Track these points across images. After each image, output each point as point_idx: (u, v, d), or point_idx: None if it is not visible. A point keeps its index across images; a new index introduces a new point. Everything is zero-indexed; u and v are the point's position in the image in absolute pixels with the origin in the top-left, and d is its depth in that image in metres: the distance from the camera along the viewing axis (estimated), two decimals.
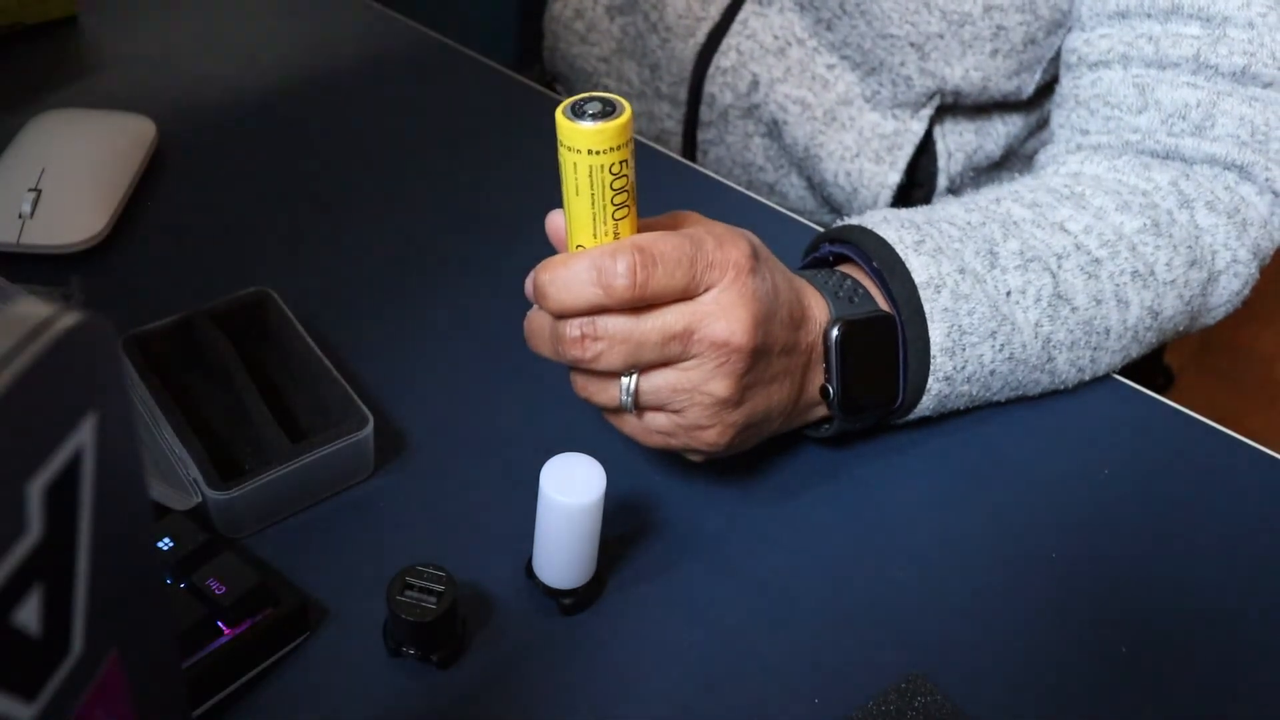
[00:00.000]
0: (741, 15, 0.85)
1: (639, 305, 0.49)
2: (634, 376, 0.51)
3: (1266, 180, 0.66)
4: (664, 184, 0.79)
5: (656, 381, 0.51)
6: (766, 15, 0.84)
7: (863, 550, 0.56)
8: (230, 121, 0.80)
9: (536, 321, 0.52)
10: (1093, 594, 0.55)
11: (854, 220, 0.61)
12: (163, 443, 0.54)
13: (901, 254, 0.57)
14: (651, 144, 0.82)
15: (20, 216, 0.67)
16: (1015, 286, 0.59)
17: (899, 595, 0.54)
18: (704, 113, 0.88)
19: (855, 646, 0.52)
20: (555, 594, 0.52)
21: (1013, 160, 0.88)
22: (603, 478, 0.49)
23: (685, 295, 0.49)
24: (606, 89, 0.92)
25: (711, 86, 0.87)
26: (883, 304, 0.57)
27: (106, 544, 0.29)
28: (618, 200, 0.50)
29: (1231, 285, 0.67)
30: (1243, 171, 0.66)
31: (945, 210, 0.62)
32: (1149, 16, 0.66)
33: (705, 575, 0.54)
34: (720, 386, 0.51)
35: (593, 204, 0.50)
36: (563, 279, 0.48)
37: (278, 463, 0.53)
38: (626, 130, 0.48)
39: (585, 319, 0.49)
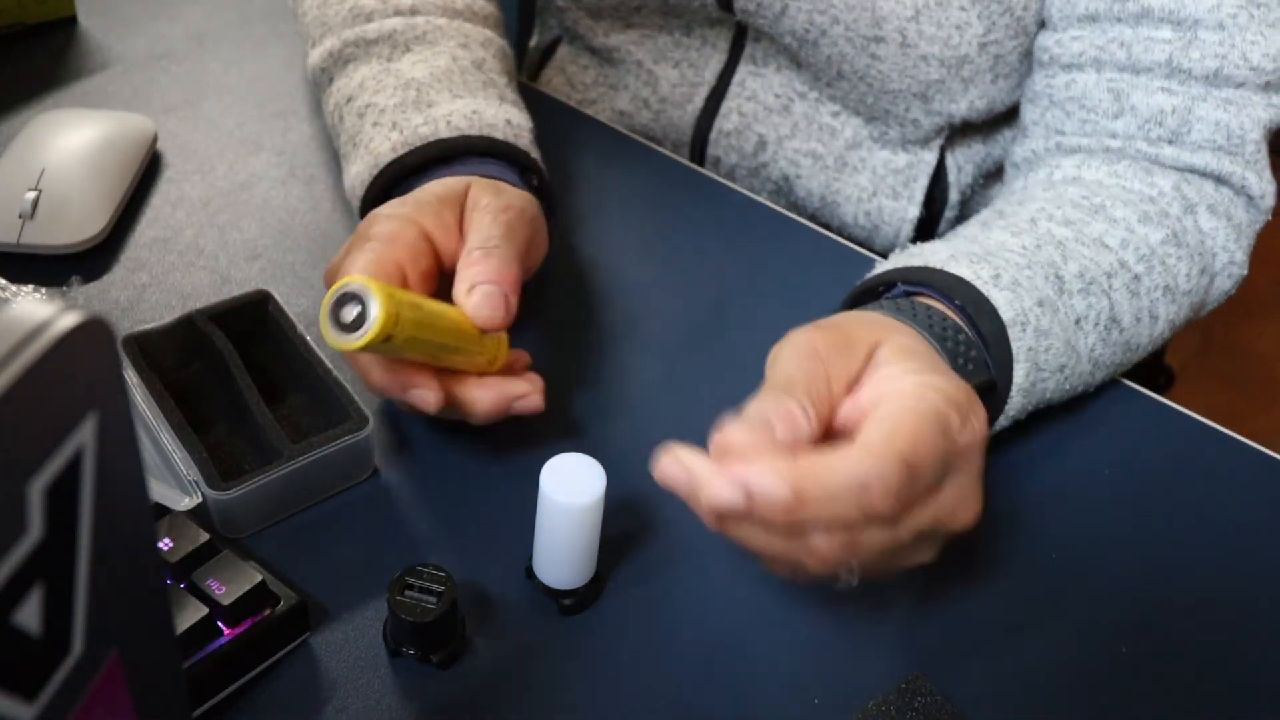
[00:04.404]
0: (738, 77, 0.84)
1: None
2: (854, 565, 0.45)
3: (1242, 185, 0.66)
4: (672, 190, 0.78)
5: (875, 568, 0.46)
6: (764, 75, 0.83)
7: None
8: (230, 121, 0.80)
9: (765, 543, 0.44)
10: (1093, 594, 0.55)
11: (913, 261, 0.58)
12: (163, 443, 0.54)
13: (983, 290, 0.55)
14: (659, 148, 0.82)
15: (20, 216, 0.67)
16: (1081, 312, 0.58)
17: (899, 596, 0.54)
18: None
19: (855, 646, 0.52)
20: (555, 594, 0.51)
21: None
22: (602, 478, 0.49)
23: (934, 485, 0.45)
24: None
25: (715, 150, 0.86)
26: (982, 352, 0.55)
27: (106, 544, 0.29)
28: (444, 338, 0.51)
29: (1224, 285, 0.68)
30: (1221, 179, 0.66)
31: (992, 237, 0.60)
32: (1119, 20, 0.66)
33: (705, 575, 0.54)
34: (929, 555, 0.47)
35: (434, 354, 0.52)
36: (822, 494, 0.41)
37: (278, 463, 0.53)
38: (386, 325, 0.48)
39: (846, 538, 0.42)
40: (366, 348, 0.48)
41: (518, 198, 0.59)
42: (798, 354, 0.47)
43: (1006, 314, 0.55)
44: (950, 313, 0.55)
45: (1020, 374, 0.56)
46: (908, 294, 0.58)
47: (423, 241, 0.55)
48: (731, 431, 0.44)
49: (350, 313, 0.48)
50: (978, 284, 0.56)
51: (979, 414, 0.46)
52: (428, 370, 0.53)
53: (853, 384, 0.47)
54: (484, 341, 0.54)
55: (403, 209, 0.56)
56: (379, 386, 0.53)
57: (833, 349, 0.47)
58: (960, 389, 0.46)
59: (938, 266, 0.57)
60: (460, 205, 0.58)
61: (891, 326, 0.51)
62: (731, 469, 0.41)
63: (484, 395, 0.54)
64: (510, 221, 0.56)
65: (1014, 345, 0.55)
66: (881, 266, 0.60)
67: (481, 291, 0.53)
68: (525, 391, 0.55)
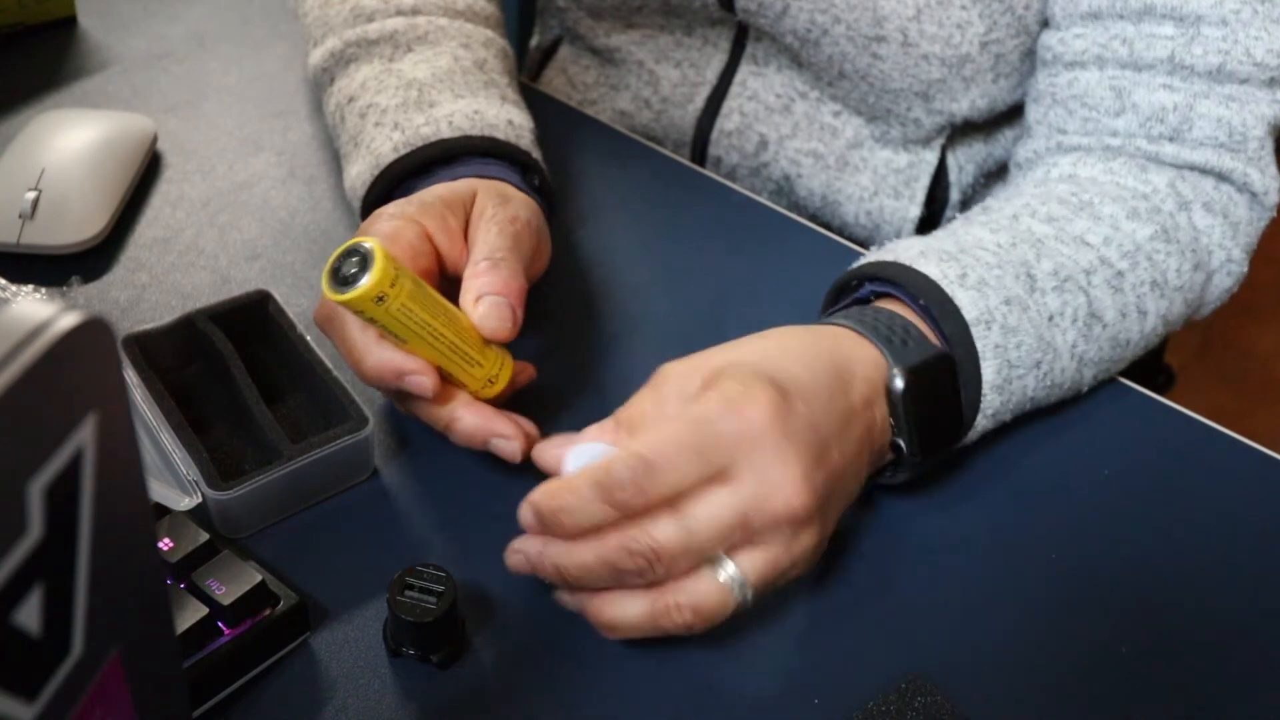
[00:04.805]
0: (739, 77, 0.84)
1: (662, 505, 0.46)
2: (733, 571, 0.47)
3: (1245, 182, 0.66)
4: (672, 190, 0.78)
5: (756, 573, 0.47)
6: (765, 75, 0.83)
7: (863, 550, 0.56)
8: (230, 121, 0.80)
9: (569, 556, 0.47)
10: (1092, 594, 0.55)
11: (885, 256, 0.59)
12: (163, 443, 0.54)
13: (948, 290, 0.56)
14: (659, 148, 0.82)
15: (20, 216, 0.67)
16: (1055, 309, 0.58)
17: (899, 595, 0.54)
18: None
19: (855, 646, 0.52)
20: None
21: None
22: None
23: (715, 480, 0.46)
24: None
25: (716, 150, 0.86)
26: (934, 340, 0.56)
27: (106, 544, 0.29)
28: (442, 327, 0.52)
29: (1224, 283, 0.68)
30: (1222, 176, 0.66)
31: (970, 234, 0.61)
32: (1121, 18, 0.66)
33: None
34: (810, 540, 0.48)
35: (426, 343, 0.52)
36: (571, 506, 0.46)
37: (278, 463, 0.53)
38: (382, 282, 0.49)
39: (636, 542, 0.45)
40: (357, 302, 0.49)
41: (524, 206, 0.59)
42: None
43: (970, 313, 0.55)
44: (912, 315, 0.56)
45: (990, 370, 0.56)
46: (875, 294, 0.58)
47: (424, 242, 0.55)
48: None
49: (351, 268, 0.49)
50: (943, 284, 0.56)
51: (758, 401, 0.46)
52: (422, 360, 0.52)
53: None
54: (486, 352, 0.54)
55: (407, 208, 0.56)
56: (374, 374, 0.53)
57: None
58: (733, 387, 0.47)
59: (907, 264, 0.57)
60: (465, 210, 0.58)
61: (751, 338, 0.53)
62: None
63: (468, 416, 0.54)
64: (518, 233, 0.57)
65: (979, 343, 0.55)
66: (859, 260, 0.61)
67: (489, 302, 0.53)
68: (509, 434, 0.54)
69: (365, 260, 0.49)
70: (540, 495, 0.47)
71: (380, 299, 0.49)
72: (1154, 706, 0.51)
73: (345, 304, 0.49)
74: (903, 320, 0.55)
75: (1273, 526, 0.59)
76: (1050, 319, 0.58)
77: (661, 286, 0.70)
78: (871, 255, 0.60)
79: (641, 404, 0.50)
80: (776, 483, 0.46)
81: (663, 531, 0.46)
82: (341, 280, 0.49)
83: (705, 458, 0.46)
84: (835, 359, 0.52)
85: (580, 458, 0.48)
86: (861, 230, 0.84)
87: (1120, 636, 0.53)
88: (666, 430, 0.46)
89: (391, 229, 0.54)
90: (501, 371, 0.56)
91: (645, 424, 0.49)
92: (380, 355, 0.52)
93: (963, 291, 0.56)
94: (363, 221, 0.65)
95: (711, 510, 0.46)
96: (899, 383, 0.53)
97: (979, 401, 0.56)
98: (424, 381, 0.52)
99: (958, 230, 0.62)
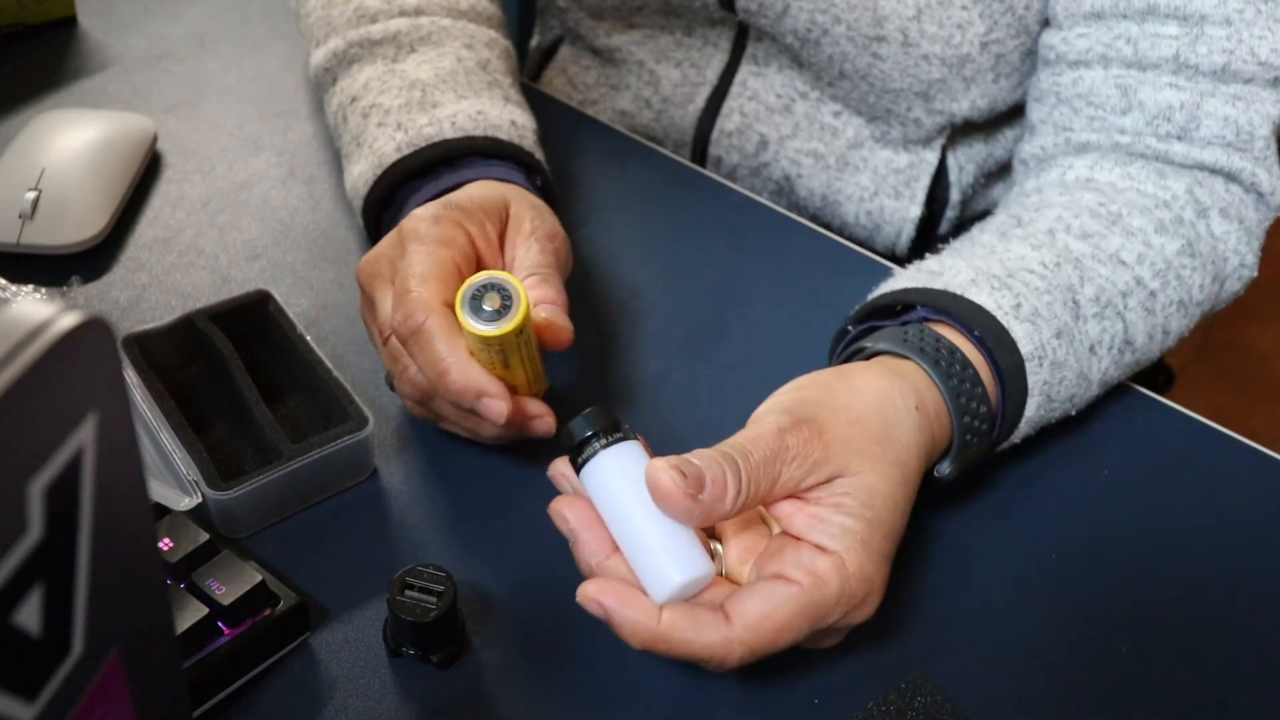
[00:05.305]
0: (740, 77, 0.84)
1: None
2: None
3: (1253, 182, 0.66)
4: (673, 190, 0.78)
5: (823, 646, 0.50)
6: (765, 75, 0.83)
7: None
8: (230, 121, 0.80)
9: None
10: (1093, 594, 0.55)
11: (933, 283, 0.58)
12: (163, 443, 0.54)
13: (1003, 321, 0.56)
14: (660, 148, 0.82)
15: (20, 216, 0.67)
16: (1095, 338, 0.59)
17: (899, 595, 0.54)
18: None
19: (855, 646, 0.52)
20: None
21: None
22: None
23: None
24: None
25: (716, 150, 0.86)
26: (987, 380, 0.55)
27: (106, 544, 0.29)
28: (535, 354, 0.53)
29: (1233, 288, 0.68)
30: (1231, 176, 0.66)
31: (1011, 252, 0.60)
32: (1125, 17, 0.66)
33: None
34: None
35: (523, 365, 0.53)
36: (667, 651, 0.46)
37: (278, 463, 0.53)
38: (527, 317, 0.50)
39: (716, 667, 0.46)
40: (501, 336, 0.50)
41: (554, 219, 0.60)
42: (769, 437, 0.48)
43: (1025, 347, 0.55)
44: (966, 344, 0.55)
45: (1032, 407, 0.56)
46: (926, 318, 0.57)
47: (471, 248, 0.56)
48: (663, 474, 0.45)
49: (493, 302, 0.50)
50: (998, 315, 0.56)
51: (872, 603, 0.48)
52: (501, 384, 0.52)
53: (802, 491, 0.48)
54: (544, 373, 0.56)
55: (449, 212, 0.56)
56: (455, 388, 0.51)
57: (798, 456, 0.48)
58: (865, 579, 0.47)
59: (959, 293, 0.57)
60: (500, 220, 0.58)
61: (874, 452, 0.49)
62: (607, 589, 0.46)
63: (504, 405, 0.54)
64: (558, 250, 0.58)
65: (1030, 380, 0.56)
66: (902, 282, 0.59)
67: (553, 310, 0.54)
68: (541, 413, 0.55)
69: (509, 296, 0.50)
70: (638, 642, 0.45)
71: (521, 333, 0.50)
72: (1154, 706, 0.51)
73: (488, 338, 0.50)
74: (982, 390, 0.54)
75: (1273, 526, 0.59)
76: (1091, 349, 0.58)
77: (661, 286, 0.70)
78: (918, 279, 0.59)
79: (755, 449, 0.47)
80: (831, 639, 0.50)
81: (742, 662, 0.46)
82: (484, 314, 0.50)
83: (807, 639, 0.47)
84: (925, 444, 0.52)
85: (677, 578, 0.45)
86: (861, 230, 0.84)
87: (1120, 636, 0.53)
88: (782, 616, 0.45)
89: (445, 234, 0.54)
90: (543, 391, 0.58)
91: (760, 476, 0.47)
92: (469, 374, 0.51)
93: (1018, 324, 0.56)
94: (363, 221, 0.65)
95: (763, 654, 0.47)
96: (946, 470, 0.55)
97: (1011, 432, 0.57)
98: (501, 407, 0.51)
99: (997, 247, 0.61)
